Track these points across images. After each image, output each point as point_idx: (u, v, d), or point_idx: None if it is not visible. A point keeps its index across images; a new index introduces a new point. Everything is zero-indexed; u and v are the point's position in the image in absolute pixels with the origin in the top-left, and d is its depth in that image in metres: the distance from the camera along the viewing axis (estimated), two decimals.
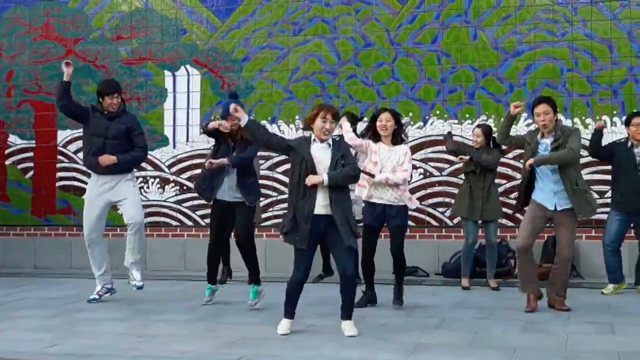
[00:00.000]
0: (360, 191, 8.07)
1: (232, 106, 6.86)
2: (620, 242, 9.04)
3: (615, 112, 10.36)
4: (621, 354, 6.00)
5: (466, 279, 9.50)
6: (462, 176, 9.83)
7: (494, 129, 9.72)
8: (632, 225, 9.13)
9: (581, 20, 10.61)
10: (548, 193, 7.81)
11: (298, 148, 6.81)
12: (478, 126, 9.72)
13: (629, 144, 9.03)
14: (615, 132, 10.14)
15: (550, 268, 9.40)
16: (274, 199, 11.32)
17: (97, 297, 8.72)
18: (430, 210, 10.90)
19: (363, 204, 8.36)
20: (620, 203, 8.91)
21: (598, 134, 9.11)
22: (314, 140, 6.83)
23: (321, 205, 6.71)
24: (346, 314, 6.84)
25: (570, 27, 10.65)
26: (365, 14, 11.28)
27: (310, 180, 6.66)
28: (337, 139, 6.98)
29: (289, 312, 6.93)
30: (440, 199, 10.83)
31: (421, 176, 10.96)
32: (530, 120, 10.36)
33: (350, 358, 6.06)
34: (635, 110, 9.57)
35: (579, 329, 6.96)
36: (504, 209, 9.86)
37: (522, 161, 10.02)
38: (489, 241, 9.46)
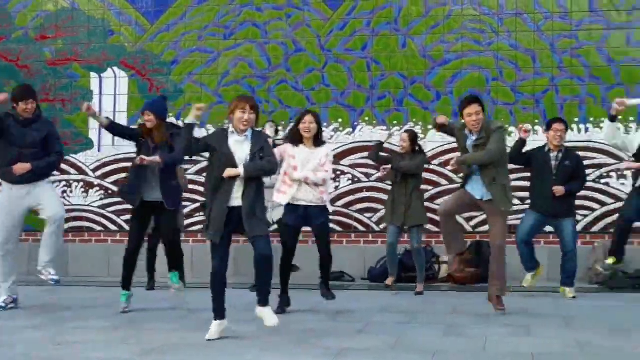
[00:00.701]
0: (280, 197, 8.07)
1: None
2: (531, 238, 9.23)
3: (537, 120, 10.61)
4: (536, 354, 6.13)
5: (391, 278, 9.59)
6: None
7: (420, 135, 9.86)
8: (552, 229, 9.38)
9: (506, 31, 10.83)
10: (478, 183, 7.91)
11: (216, 143, 6.75)
12: (405, 131, 9.84)
13: (547, 148, 9.23)
14: (536, 140, 10.31)
15: (472, 273, 9.59)
16: (200, 204, 11.24)
17: (3, 305, 8.40)
18: (357, 215, 10.98)
19: (275, 209, 8.38)
20: (537, 205, 9.11)
21: (522, 143, 9.26)
22: (232, 132, 6.76)
23: (235, 197, 6.66)
24: (263, 300, 6.74)
25: (496, 37, 10.86)
26: (297, 20, 11.32)
27: (228, 172, 6.61)
28: (256, 131, 6.88)
29: (217, 312, 6.84)
30: (367, 205, 10.91)
31: (349, 182, 11.02)
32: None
33: None
34: (557, 116, 9.79)
35: (497, 331, 7.08)
36: (428, 215, 9.94)
37: (447, 168, 10.25)
38: (412, 247, 9.55)
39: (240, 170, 6.61)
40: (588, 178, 10.27)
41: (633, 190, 8.36)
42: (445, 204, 8.13)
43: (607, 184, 10.51)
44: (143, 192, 8.11)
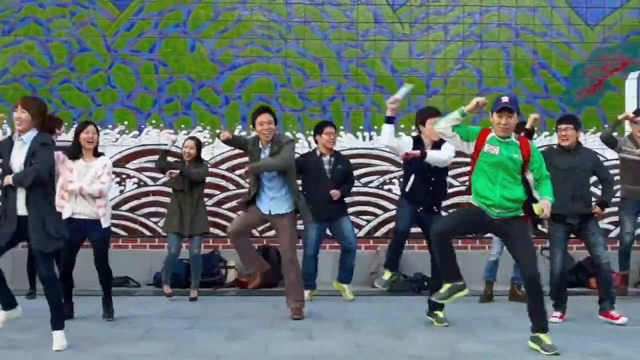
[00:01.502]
0: (62, 212, 7.78)
1: None
2: (317, 250, 9.42)
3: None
4: (317, 357, 6.28)
5: (167, 286, 9.43)
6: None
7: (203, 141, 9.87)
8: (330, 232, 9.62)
9: (294, 38, 10.98)
10: (265, 198, 8.01)
11: (2, 150, 6.53)
12: (191, 138, 9.68)
13: (318, 153, 9.42)
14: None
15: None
16: None
17: None
18: (143, 220, 10.74)
19: None
20: (315, 212, 9.27)
21: None
22: (15, 137, 6.53)
23: (21, 205, 6.41)
24: (53, 324, 6.55)
25: (285, 44, 10.98)
26: (81, 18, 10.94)
27: (6, 181, 6.37)
28: (37, 135, 6.51)
29: None
30: (153, 209, 10.69)
31: (135, 185, 10.78)
32: (245, 132, 10.56)
33: None
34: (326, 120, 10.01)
35: (280, 334, 7.17)
36: (216, 220, 9.93)
37: (236, 173, 10.29)
38: (192, 252, 9.42)
39: (9, 179, 6.34)
40: (372, 184, 10.66)
41: (403, 197, 8.09)
42: (233, 225, 8.15)
43: (389, 190, 10.87)
44: None
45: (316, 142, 9.52)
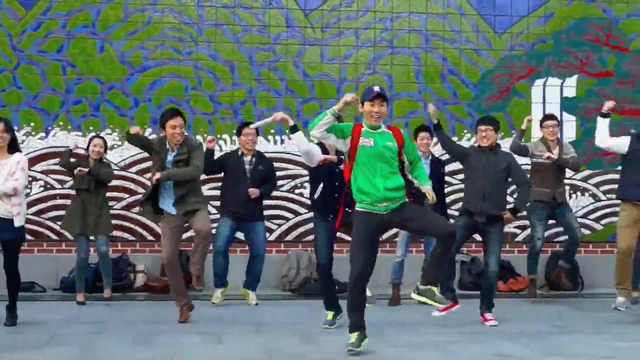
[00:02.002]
0: None
1: None
2: (227, 247, 9.35)
3: (234, 131, 10.73)
4: None
5: (81, 294, 9.26)
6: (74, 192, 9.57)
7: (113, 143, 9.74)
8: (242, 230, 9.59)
9: (206, 41, 10.91)
10: (170, 201, 7.92)
11: None
12: (98, 137, 9.56)
13: (240, 152, 9.41)
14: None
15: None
16: None
17: None
18: (49, 223, 10.51)
19: None
20: (230, 211, 9.24)
21: (210, 152, 9.31)
22: None
23: None
24: None
25: (196, 47, 10.90)
26: None
27: None
28: None
29: None
30: (61, 212, 10.43)
31: (41, 188, 10.55)
32: (155, 135, 10.43)
33: None
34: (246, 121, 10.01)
35: (189, 339, 7.10)
36: (125, 223, 9.80)
37: (146, 176, 10.12)
38: (100, 251, 9.31)
39: None
40: (283, 188, 10.67)
41: (313, 208, 7.94)
42: (165, 252, 7.93)
43: (300, 194, 10.89)
44: None
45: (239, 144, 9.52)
